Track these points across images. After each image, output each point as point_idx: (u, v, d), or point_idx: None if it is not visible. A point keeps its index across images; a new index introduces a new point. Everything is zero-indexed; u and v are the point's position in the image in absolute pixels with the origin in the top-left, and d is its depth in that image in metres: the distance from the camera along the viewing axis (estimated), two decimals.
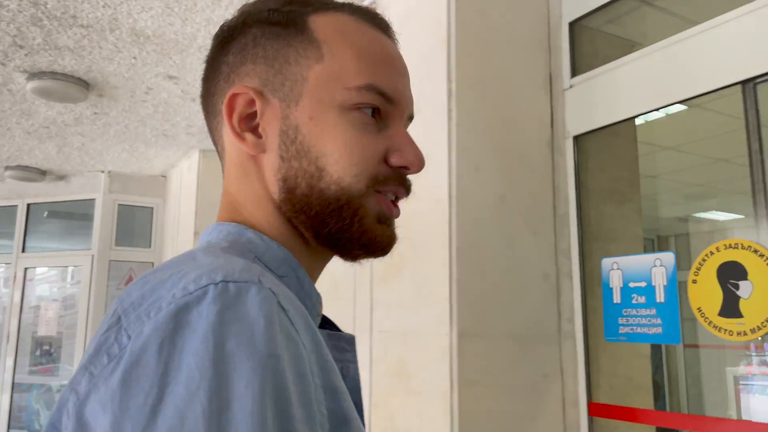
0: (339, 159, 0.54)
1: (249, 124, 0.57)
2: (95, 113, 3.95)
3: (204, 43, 2.97)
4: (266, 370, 0.38)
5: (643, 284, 1.97)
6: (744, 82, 1.75)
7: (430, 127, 2.01)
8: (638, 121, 2.34)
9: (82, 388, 0.40)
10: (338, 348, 0.59)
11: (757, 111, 1.74)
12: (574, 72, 2.30)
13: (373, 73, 0.56)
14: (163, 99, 3.70)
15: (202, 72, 0.63)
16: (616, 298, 2.05)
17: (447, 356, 1.94)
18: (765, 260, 1.67)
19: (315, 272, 0.61)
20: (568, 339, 2.16)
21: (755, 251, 1.69)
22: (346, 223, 0.54)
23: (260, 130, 0.56)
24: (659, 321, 1.90)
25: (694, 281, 1.83)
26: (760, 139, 1.73)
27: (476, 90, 2.08)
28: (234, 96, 0.56)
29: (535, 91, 2.29)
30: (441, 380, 1.90)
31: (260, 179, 0.57)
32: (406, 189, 0.59)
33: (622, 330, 2.01)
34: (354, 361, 0.60)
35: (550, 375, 2.10)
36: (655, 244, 4.33)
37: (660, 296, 1.91)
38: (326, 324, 0.64)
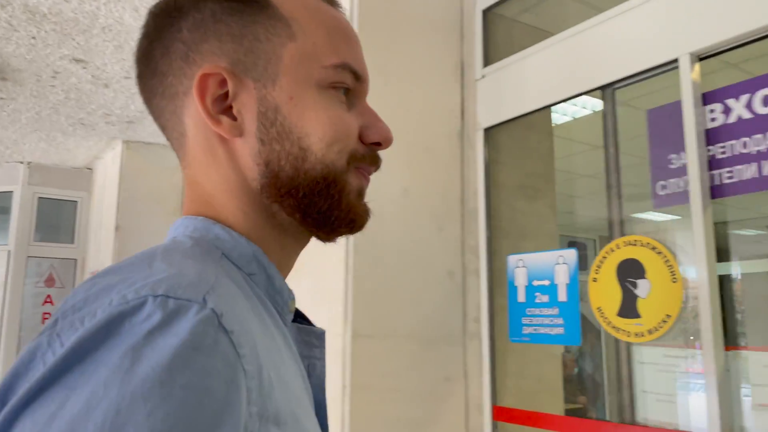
0: (323, 137, 0.53)
1: (220, 106, 0.54)
2: (1, 98, 3.69)
3: (107, 23, 2.77)
4: (177, 402, 0.35)
5: (546, 282, 1.88)
6: (655, 69, 1.68)
7: None
8: (569, 118, 2.26)
9: (17, 397, 0.37)
10: (307, 343, 0.60)
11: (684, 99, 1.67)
12: (487, 61, 2.21)
13: (344, 51, 0.56)
14: (72, 84, 3.48)
15: (138, 50, 0.58)
16: (521, 296, 1.96)
17: (340, 358, 1.81)
18: (663, 258, 1.59)
19: (289, 263, 0.60)
20: (473, 340, 2.06)
21: (653, 248, 1.62)
22: (334, 200, 0.54)
23: (235, 112, 0.54)
24: (561, 321, 1.82)
25: (595, 279, 1.75)
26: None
27: (379, 78, 1.96)
28: (205, 76, 0.53)
29: (445, 81, 2.18)
30: (332, 384, 1.77)
31: (234, 165, 0.55)
32: (377, 165, 0.59)
33: (526, 330, 1.92)
34: (321, 358, 0.60)
35: (453, 378, 2.00)
36: (596, 245, 4.30)
37: (562, 295, 1.83)
38: (297, 317, 0.63)
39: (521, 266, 1.98)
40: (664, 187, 1.64)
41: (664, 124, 1.67)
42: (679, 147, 1.61)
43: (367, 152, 0.58)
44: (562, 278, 1.83)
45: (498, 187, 2.20)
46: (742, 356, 1.49)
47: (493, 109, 2.15)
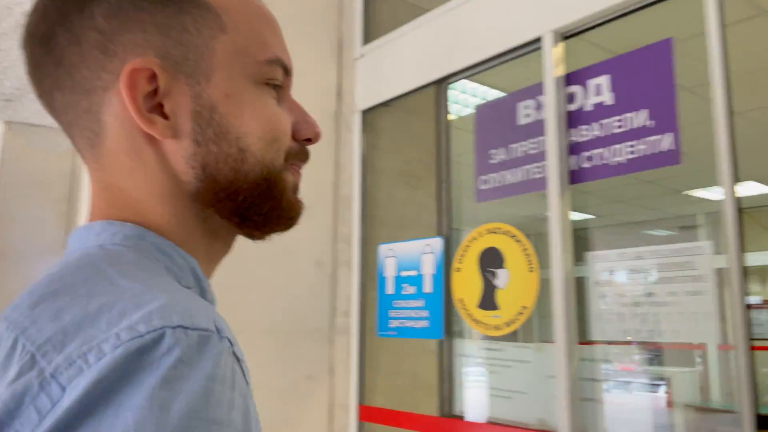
0: (261, 136, 0.51)
1: (150, 104, 0.50)
2: None
3: None
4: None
5: (413, 273, 1.77)
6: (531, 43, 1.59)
7: None
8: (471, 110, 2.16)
9: None
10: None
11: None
12: (367, 39, 2.08)
13: (274, 44, 0.54)
14: None
15: (33, 32, 0.52)
16: (389, 288, 1.84)
17: None
18: (521, 246, 1.51)
19: (213, 272, 0.57)
20: (341, 335, 1.93)
21: (513, 236, 1.53)
22: (276, 200, 0.53)
23: (167, 110, 0.50)
24: (426, 314, 1.71)
25: (458, 269, 1.65)
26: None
27: None
28: (135, 72, 0.49)
29: (321, 59, 2.05)
30: None
31: (165, 168, 0.51)
32: (306, 161, 0.58)
33: (393, 324, 1.81)
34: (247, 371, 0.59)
35: (316, 376, 1.86)
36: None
37: (428, 286, 1.72)
38: None
39: (391, 256, 1.87)
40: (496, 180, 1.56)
41: (493, 118, 1.58)
42: (526, 136, 1.52)
43: (299, 148, 0.55)
44: (428, 269, 1.73)
45: (375, 174, 2.08)
46: (595, 351, 1.42)
47: (372, 89, 2.03)
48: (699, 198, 5.28)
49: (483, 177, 1.61)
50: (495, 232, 1.57)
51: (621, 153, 1.37)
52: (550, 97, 1.48)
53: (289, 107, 0.55)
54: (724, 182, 1.26)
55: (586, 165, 1.43)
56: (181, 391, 0.34)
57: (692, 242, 1.30)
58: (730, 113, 1.27)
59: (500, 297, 1.52)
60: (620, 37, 1.50)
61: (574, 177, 1.45)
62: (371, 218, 2.03)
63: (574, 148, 1.45)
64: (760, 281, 5.77)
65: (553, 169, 1.44)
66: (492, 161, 1.60)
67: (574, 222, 1.44)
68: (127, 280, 0.42)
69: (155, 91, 0.50)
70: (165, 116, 0.50)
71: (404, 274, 1.79)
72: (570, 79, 1.49)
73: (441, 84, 1.85)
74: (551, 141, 1.46)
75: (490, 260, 1.56)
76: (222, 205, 0.51)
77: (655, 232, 6.65)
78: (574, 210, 1.46)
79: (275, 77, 0.53)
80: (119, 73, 0.48)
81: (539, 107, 1.52)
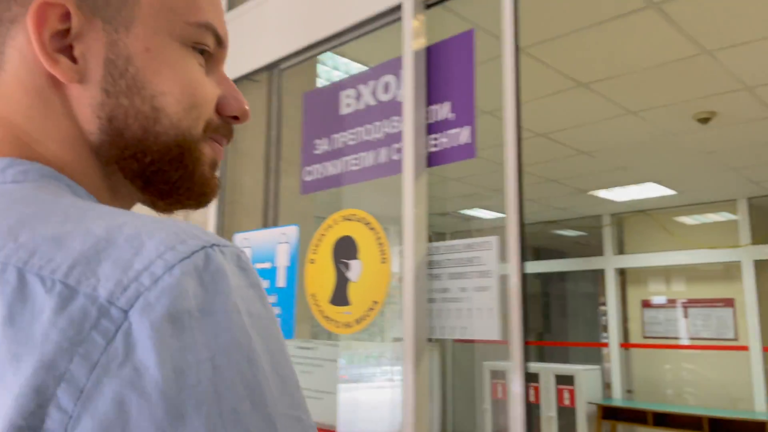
0: (180, 99, 0.49)
1: (60, 43, 0.46)
2: None
3: None
4: (278, 325, 0.39)
5: (268, 265, 1.60)
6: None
7: None
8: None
9: (72, 386, 0.32)
10: None
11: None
12: (231, 4, 1.89)
13: (208, 10, 0.50)
14: None
15: None
16: None
17: None
18: (375, 234, 1.37)
19: None
20: None
21: (367, 224, 1.39)
22: (187, 171, 0.50)
23: (77, 53, 0.47)
24: (279, 310, 1.54)
25: (312, 261, 1.49)
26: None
27: None
28: (46, 5, 0.45)
29: None
30: None
31: (69, 114, 0.48)
32: (230, 139, 0.55)
33: None
34: None
35: None
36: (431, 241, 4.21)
37: (281, 280, 1.55)
38: None
39: (247, 246, 1.68)
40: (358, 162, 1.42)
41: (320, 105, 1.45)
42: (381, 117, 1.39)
43: (221, 123, 0.53)
44: (282, 260, 1.56)
45: (238, 156, 1.89)
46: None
47: (234, 62, 1.83)
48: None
49: (308, 168, 1.49)
50: (350, 219, 1.42)
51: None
52: (408, 71, 1.34)
53: (218, 80, 0.53)
54: (510, 203, 1.16)
55: (443, 146, 1.31)
56: (249, 298, 0.36)
57: (482, 237, 1.21)
58: (519, 138, 1.17)
59: (352, 291, 1.38)
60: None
61: (432, 159, 1.32)
62: (232, 205, 1.84)
63: (432, 128, 1.33)
64: (665, 281, 6.00)
65: (408, 151, 1.31)
66: (316, 152, 1.48)
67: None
68: (98, 205, 0.41)
69: (67, 32, 0.47)
70: (74, 59, 0.47)
71: (259, 266, 1.62)
72: (431, 52, 1.36)
73: (306, 57, 1.69)
74: (408, 119, 1.33)
75: (344, 250, 1.42)
76: (126, 164, 0.49)
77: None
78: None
79: (204, 42, 0.50)
80: (30, 6, 0.46)
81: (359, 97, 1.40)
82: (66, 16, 0.46)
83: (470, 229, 7.33)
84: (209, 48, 0.51)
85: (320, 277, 1.46)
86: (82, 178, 0.48)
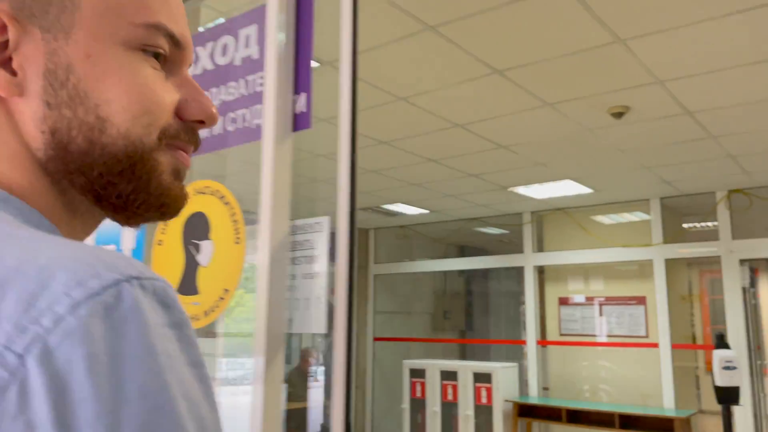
0: (127, 107, 0.46)
1: None
2: None
3: None
4: (203, 371, 0.36)
5: (112, 248, 1.35)
6: None
7: None
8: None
9: None
10: None
11: None
12: None
13: (159, 9, 0.48)
14: None
15: None
16: None
17: None
18: (230, 210, 1.15)
19: None
20: None
21: (221, 197, 1.17)
22: (141, 182, 0.47)
23: (15, 66, 0.45)
24: None
25: (160, 242, 1.26)
26: None
27: None
28: None
29: None
30: None
31: (13, 129, 0.46)
32: (196, 145, 0.52)
33: None
34: None
35: None
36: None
37: None
38: None
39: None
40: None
41: None
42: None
43: (182, 128, 0.49)
44: (128, 242, 1.32)
45: None
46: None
47: None
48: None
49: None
50: (203, 193, 1.20)
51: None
52: (272, 17, 1.13)
53: (179, 83, 0.50)
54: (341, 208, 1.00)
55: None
56: (169, 336, 0.34)
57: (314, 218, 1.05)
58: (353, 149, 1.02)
59: (201, 277, 1.16)
60: None
61: (299, 121, 1.12)
62: None
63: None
64: (582, 279, 6.06)
65: (269, 110, 1.10)
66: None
67: None
68: (24, 231, 0.38)
69: (5, 44, 0.44)
70: (13, 72, 0.45)
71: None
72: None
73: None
74: (270, 75, 1.12)
75: (195, 230, 1.19)
76: (73, 178, 0.46)
77: None
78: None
79: (155, 44, 0.47)
80: None
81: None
82: (2, 28, 0.44)
83: (393, 225, 7.21)
84: (163, 50, 0.48)
85: (168, 261, 1.22)
86: (35, 198, 0.45)
